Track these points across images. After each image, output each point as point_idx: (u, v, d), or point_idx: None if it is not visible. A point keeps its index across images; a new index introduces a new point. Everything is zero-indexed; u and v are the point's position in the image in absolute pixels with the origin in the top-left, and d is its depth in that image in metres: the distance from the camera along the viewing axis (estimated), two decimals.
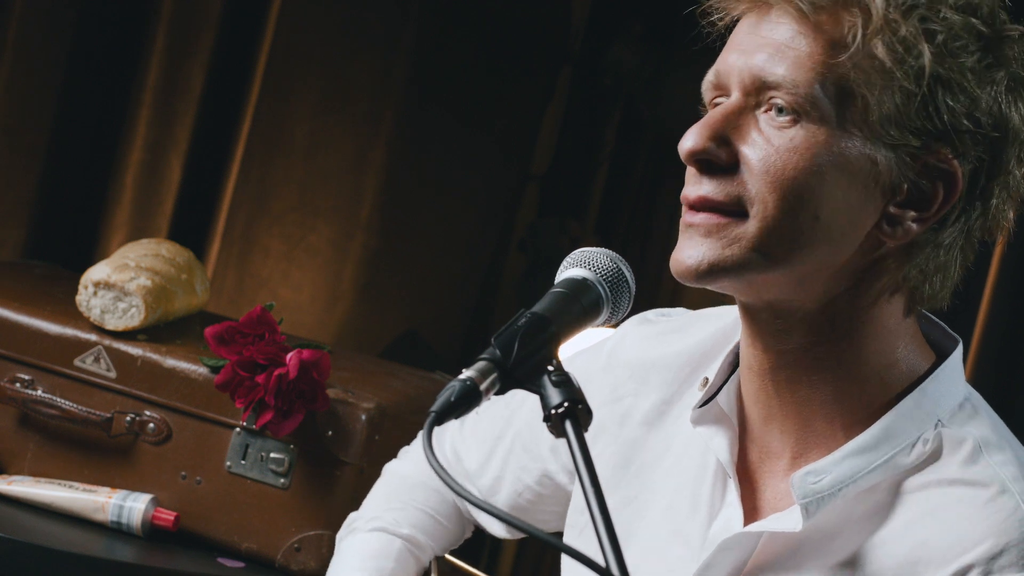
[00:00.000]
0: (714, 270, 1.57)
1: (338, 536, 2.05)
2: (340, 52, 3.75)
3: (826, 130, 1.53)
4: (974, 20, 1.54)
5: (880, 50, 1.52)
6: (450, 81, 3.98)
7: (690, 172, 1.59)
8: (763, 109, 1.56)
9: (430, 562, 2.05)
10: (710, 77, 1.61)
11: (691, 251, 1.58)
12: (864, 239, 1.57)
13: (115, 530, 2.39)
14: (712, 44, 1.64)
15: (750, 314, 1.64)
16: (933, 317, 1.68)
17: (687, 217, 1.59)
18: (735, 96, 1.57)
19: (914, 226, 1.56)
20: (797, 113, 1.54)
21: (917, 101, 1.52)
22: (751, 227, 1.55)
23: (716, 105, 1.60)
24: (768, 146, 1.54)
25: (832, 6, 1.54)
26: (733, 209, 1.56)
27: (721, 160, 1.56)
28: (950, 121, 1.53)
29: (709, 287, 1.60)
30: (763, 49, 1.55)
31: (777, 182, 1.54)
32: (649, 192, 4.07)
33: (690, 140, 1.57)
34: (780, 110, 1.54)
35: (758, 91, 1.56)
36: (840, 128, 1.53)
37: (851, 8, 1.53)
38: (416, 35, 3.86)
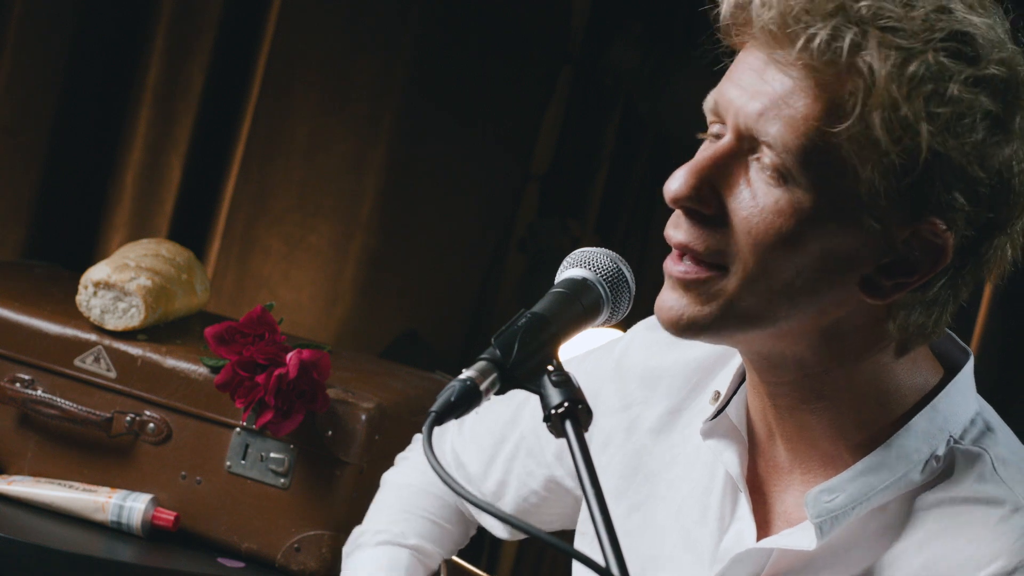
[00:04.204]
0: (692, 326, 1.56)
1: (344, 551, 2.05)
2: (340, 52, 3.75)
3: (812, 197, 1.49)
4: (984, 98, 1.48)
5: (877, 125, 1.47)
6: (450, 81, 3.98)
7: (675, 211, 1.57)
8: (755, 156, 1.52)
9: (439, 566, 2.05)
10: (709, 103, 1.57)
11: (672, 303, 1.56)
12: (844, 299, 1.54)
13: (115, 530, 2.39)
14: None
15: (742, 352, 1.63)
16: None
17: (669, 264, 1.56)
18: (728, 138, 1.54)
19: (896, 293, 1.54)
20: (784, 177, 1.50)
21: (911, 178, 1.48)
22: (729, 285, 1.53)
23: (713, 128, 1.56)
24: (753, 203, 1.51)
25: (839, 68, 1.47)
26: (713, 261, 1.54)
27: (705, 210, 1.54)
28: (944, 197, 1.49)
29: (691, 340, 1.59)
30: (762, 97, 1.51)
31: (757, 244, 1.51)
32: (649, 192, 4.08)
33: (675, 185, 1.54)
34: (769, 168, 1.51)
35: (752, 140, 1.52)
36: (827, 196, 1.49)
37: (855, 76, 1.47)
38: (416, 35, 3.86)
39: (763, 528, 1.66)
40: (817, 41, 1.47)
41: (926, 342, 1.60)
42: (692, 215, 1.54)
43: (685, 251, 1.55)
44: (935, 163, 1.48)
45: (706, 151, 1.55)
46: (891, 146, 1.47)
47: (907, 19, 1.48)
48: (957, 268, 1.54)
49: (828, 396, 1.60)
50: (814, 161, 1.49)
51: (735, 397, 1.69)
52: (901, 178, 1.48)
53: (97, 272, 2.48)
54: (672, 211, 1.57)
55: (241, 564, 2.39)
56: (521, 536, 2.08)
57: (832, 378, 1.59)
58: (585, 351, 1.92)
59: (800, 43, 1.48)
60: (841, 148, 1.48)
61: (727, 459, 1.67)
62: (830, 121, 1.48)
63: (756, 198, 1.51)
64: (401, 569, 1.97)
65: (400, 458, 2.15)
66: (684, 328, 1.56)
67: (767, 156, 1.50)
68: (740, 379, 1.70)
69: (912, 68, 1.46)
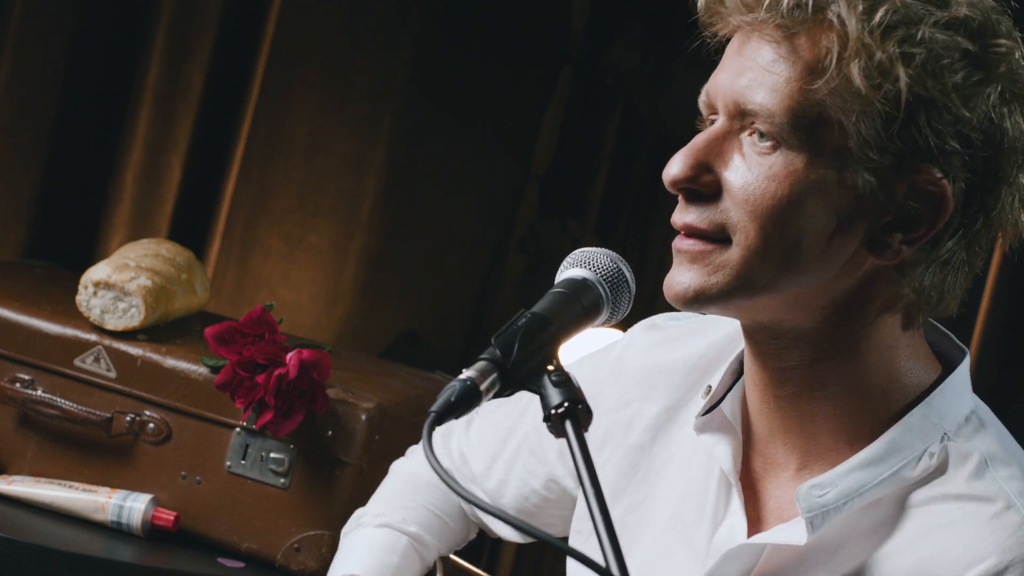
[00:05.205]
0: (700, 297, 1.57)
1: (343, 530, 2.06)
2: (340, 52, 3.75)
3: (804, 157, 1.52)
4: (959, 38, 1.50)
5: (856, 75, 1.49)
6: (450, 81, 3.98)
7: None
8: (747, 132, 1.55)
9: (435, 562, 2.05)
10: (702, 96, 1.60)
11: (679, 277, 1.58)
12: (852, 261, 1.55)
13: (115, 530, 2.39)
14: (712, 54, 1.63)
15: (748, 334, 1.64)
16: (941, 327, 1.67)
17: (676, 242, 1.59)
18: (721, 120, 1.57)
19: (904, 247, 1.54)
20: (776, 140, 1.52)
21: (897, 125, 1.49)
22: (734, 255, 1.55)
23: (711, 121, 1.59)
24: (748, 173, 1.53)
25: (810, 28, 1.51)
26: (717, 236, 1.55)
27: (704, 189, 1.56)
28: (935, 142, 1.50)
29: (701, 312, 1.61)
30: (746, 72, 1.54)
31: (757, 211, 1.53)
32: (649, 192, 4.08)
33: (673, 168, 1.56)
34: (762, 135, 1.53)
35: (741, 116, 1.55)
36: (819, 155, 1.51)
37: (828, 31, 1.50)
38: (416, 35, 3.86)
39: (756, 524, 1.67)
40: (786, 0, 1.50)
41: (939, 310, 1.60)
42: (692, 196, 1.57)
43: (688, 231, 1.57)
44: (918, 106, 1.49)
45: (700, 134, 1.58)
46: (872, 93, 1.49)
47: None
48: (966, 225, 1.55)
49: (834, 384, 1.60)
50: (801, 122, 1.51)
51: (730, 393, 1.69)
52: (887, 125, 1.50)
53: (97, 272, 2.48)
54: (676, 202, 1.59)
55: (241, 564, 2.39)
56: (526, 539, 2.08)
57: (840, 364, 1.59)
58: (582, 356, 1.92)
59: (768, 3, 1.51)
60: (825, 104, 1.51)
61: (720, 454, 1.67)
62: (811, 79, 1.51)
63: (751, 168, 1.54)
64: (397, 553, 1.97)
65: (411, 449, 2.15)
66: (692, 300, 1.57)
67: (755, 125, 1.53)
68: (735, 375, 1.71)
69: (880, 14, 1.49)
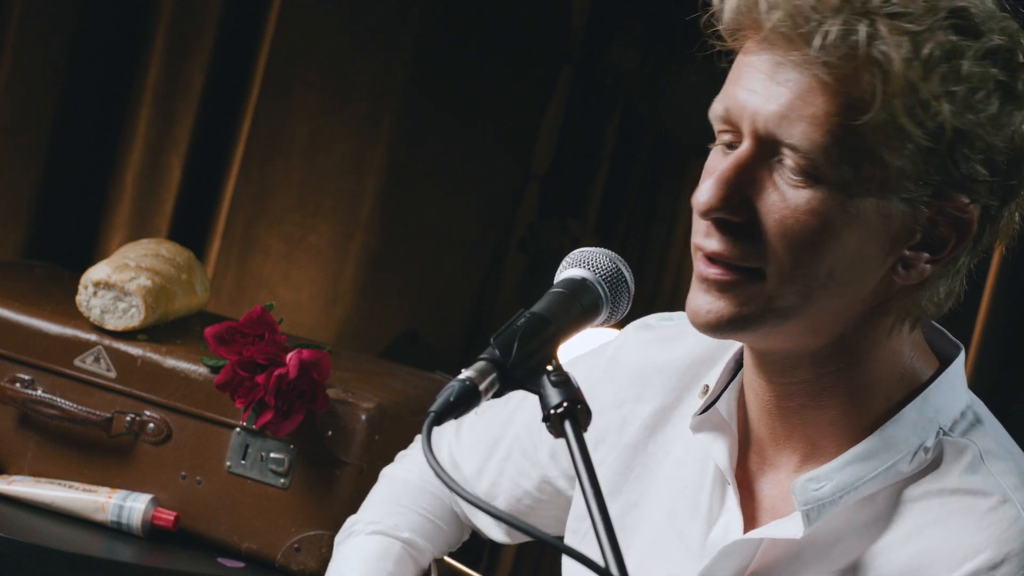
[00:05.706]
0: (733, 326, 1.56)
1: (336, 539, 2.06)
2: (340, 52, 3.75)
3: (841, 191, 1.51)
4: (993, 69, 1.51)
5: (899, 111, 1.48)
6: (450, 81, 3.98)
7: (701, 221, 1.57)
8: (777, 159, 1.52)
9: (429, 564, 2.05)
10: (719, 110, 1.56)
11: (709, 305, 1.56)
12: (879, 282, 1.56)
13: (115, 530, 2.39)
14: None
15: (757, 354, 1.64)
16: (936, 324, 1.68)
17: (702, 268, 1.56)
18: (747, 144, 1.54)
19: (928, 267, 1.56)
20: (812, 175, 1.51)
21: (935, 158, 1.50)
22: (768, 285, 1.53)
23: (724, 137, 1.56)
24: (783, 205, 1.52)
25: (852, 64, 1.49)
26: (748, 266, 1.54)
27: (736, 218, 1.54)
28: (967, 172, 1.51)
29: (727, 339, 1.60)
30: (777, 99, 1.51)
31: (793, 245, 1.52)
32: (649, 192, 4.07)
33: (705, 197, 1.54)
34: (797, 167, 1.51)
35: (773, 143, 1.52)
36: (856, 188, 1.51)
37: (871, 67, 1.48)
38: (416, 35, 3.86)
39: (751, 522, 1.67)
40: (831, 37, 1.48)
41: (941, 310, 1.61)
42: (723, 225, 1.55)
43: (719, 260, 1.55)
44: (957, 139, 1.50)
45: (728, 160, 1.55)
46: (915, 129, 1.49)
47: (911, 3, 1.50)
48: (976, 237, 1.57)
49: (841, 392, 1.61)
50: (840, 158, 1.50)
51: (726, 392, 1.69)
52: (927, 159, 1.50)
53: (97, 272, 2.48)
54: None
55: (241, 564, 2.39)
56: (517, 540, 2.08)
57: (850, 373, 1.60)
58: (576, 356, 1.92)
59: (816, 41, 1.48)
60: (866, 139, 1.49)
61: (716, 452, 1.68)
62: (852, 114, 1.49)
63: (786, 200, 1.52)
64: (391, 560, 1.97)
65: (401, 455, 2.15)
66: (725, 328, 1.56)
67: (791, 158, 1.51)
68: (731, 374, 1.71)
69: (926, 51, 1.48)
